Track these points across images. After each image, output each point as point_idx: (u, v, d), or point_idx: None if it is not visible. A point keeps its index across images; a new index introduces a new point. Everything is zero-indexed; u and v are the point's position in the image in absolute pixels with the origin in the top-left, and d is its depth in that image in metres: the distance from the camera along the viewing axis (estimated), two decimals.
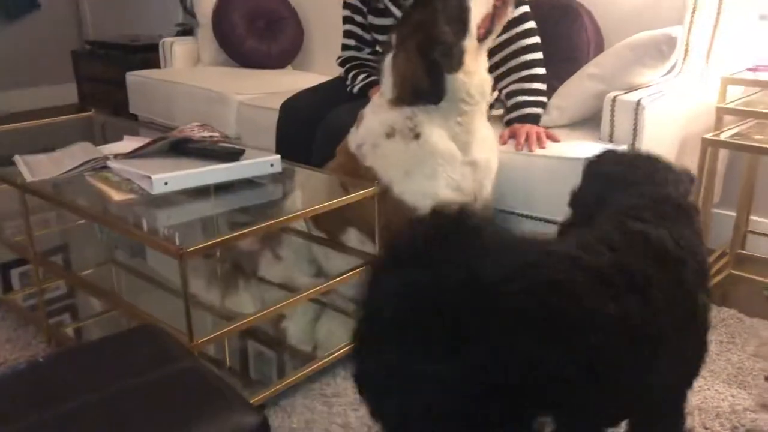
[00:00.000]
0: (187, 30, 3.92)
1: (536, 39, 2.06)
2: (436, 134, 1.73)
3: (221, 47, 3.38)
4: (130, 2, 4.93)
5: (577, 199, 1.31)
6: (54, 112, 4.82)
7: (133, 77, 3.30)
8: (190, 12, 3.79)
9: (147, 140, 1.96)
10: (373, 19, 2.20)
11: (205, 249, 1.39)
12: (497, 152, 1.89)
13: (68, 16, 5.31)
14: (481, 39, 1.76)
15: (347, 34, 2.31)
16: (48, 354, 1.60)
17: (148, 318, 1.50)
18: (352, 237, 1.87)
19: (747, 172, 2.24)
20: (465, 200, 1.76)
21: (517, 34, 2.03)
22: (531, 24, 2.05)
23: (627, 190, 1.19)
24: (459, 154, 1.76)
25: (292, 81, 2.95)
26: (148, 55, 3.68)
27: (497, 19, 1.78)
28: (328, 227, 1.92)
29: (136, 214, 1.64)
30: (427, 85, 1.71)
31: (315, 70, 3.35)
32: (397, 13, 2.11)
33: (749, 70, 2.06)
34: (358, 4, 2.23)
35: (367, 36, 2.27)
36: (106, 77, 3.90)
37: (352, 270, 1.72)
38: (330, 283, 1.72)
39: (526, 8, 2.05)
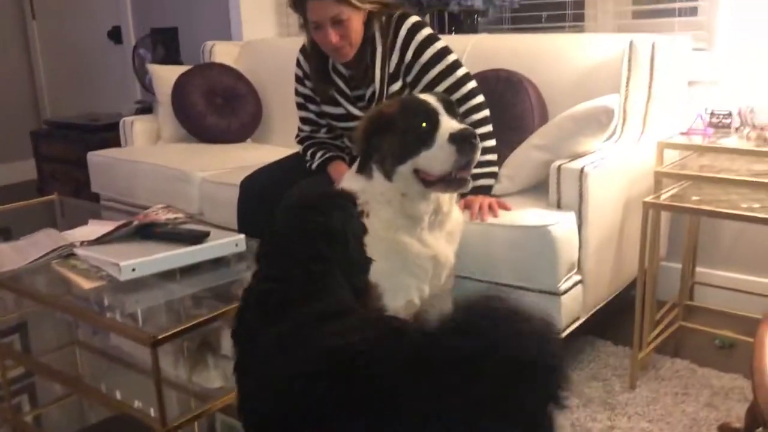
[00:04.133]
0: (146, 107, 3.99)
1: (486, 112, 2.15)
2: (380, 220, 1.73)
3: (181, 124, 3.44)
4: (88, 80, 5.00)
5: None
6: (13, 189, 4.84)
7: (94, 157, 3.33)
8: (149, 90, 3.87)
9: (112, 224, 2.00)
10: (326, 108, 2.29)
11: (176, 335, 1.42)
12: (457, 243, 1.91)
13: (25, 95, 5.36)
14: (424, 182, 1.75)
15: (303, 119, 2.39)
16: None
17: (116, 404, 1.52)
18: None
19: (689, 227, 2.37)
20: (422, 289, 1.83)
21: (468, 109, 2.12)
22: (480, 98, 2.15)
23: None
24: (412, 245, 1.77)
25: (252, 155, 3.03)
26: (108, 134, 3.73)
27: (449, 186, 1.75)
28: None
29: (105, 302, 1.67)
30: (359, 151, 1.83)
31: (274, 143, 3.45)
32: (347, 105, 2.22)
33: (682, 134, 2.21)
34: (311, 93, 2.32)
35: (322, 121, 2.35)
36: (66, 157, 3.92)
37: None
38: None
39: (473, 83, 2.16)
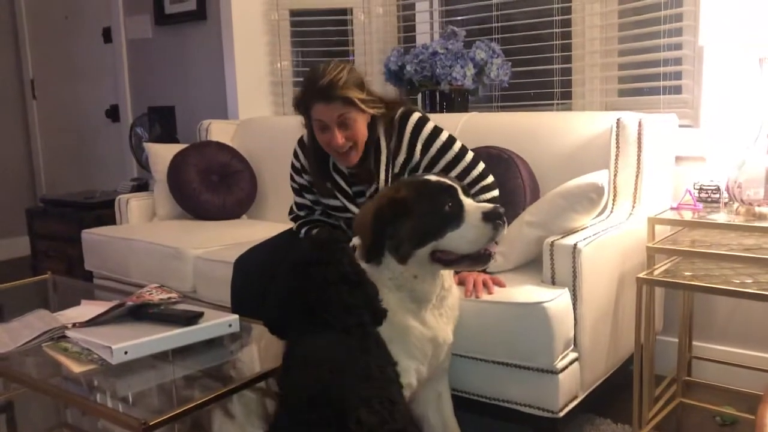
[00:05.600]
0: (142, 184, 4.02)
1: (496, 192, 2.17)
2: (388, 305, 1.68)
3: (177, 201, 3.46)
4: (85, 158, 5.06)
5: None
6: (7, 266, 4.83)
7: (88, 235, 3.33)
8: (145, 167, 3.91)
9: (105, 305, 1.99)
10: (321, 198, 2.29)
11: (167, 421, 1.40)
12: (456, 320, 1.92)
13: (22, 171, 5.42)
14: (442, 261, 1.76)
15: (298, 205, 2.39)
16: None
17: None
18: None
19: (684, 301, 2.37)
20: (420, 371, 1.82)
21: (481, 189, 2.15)
22: (491, 179, 2.18)
23: None
24: (415, 329, 1.77)
25: (247, 232, 3.04)
26: (103, 212, 3.74)
27: (476, 262, 1.78)
28: None
29: (96, 386, 1.64)
30: (369, 241, 1.77)
31: (269, 219, 3.47)
32: (345, 202, 2.21)
33: (673, 209, 2.23)
34: (307, 185, 2.32)
35: (317, 207, 2.35)
36: (60, 234, 3.91)
37: None
38: None
39: (483, 165, 2.17)
